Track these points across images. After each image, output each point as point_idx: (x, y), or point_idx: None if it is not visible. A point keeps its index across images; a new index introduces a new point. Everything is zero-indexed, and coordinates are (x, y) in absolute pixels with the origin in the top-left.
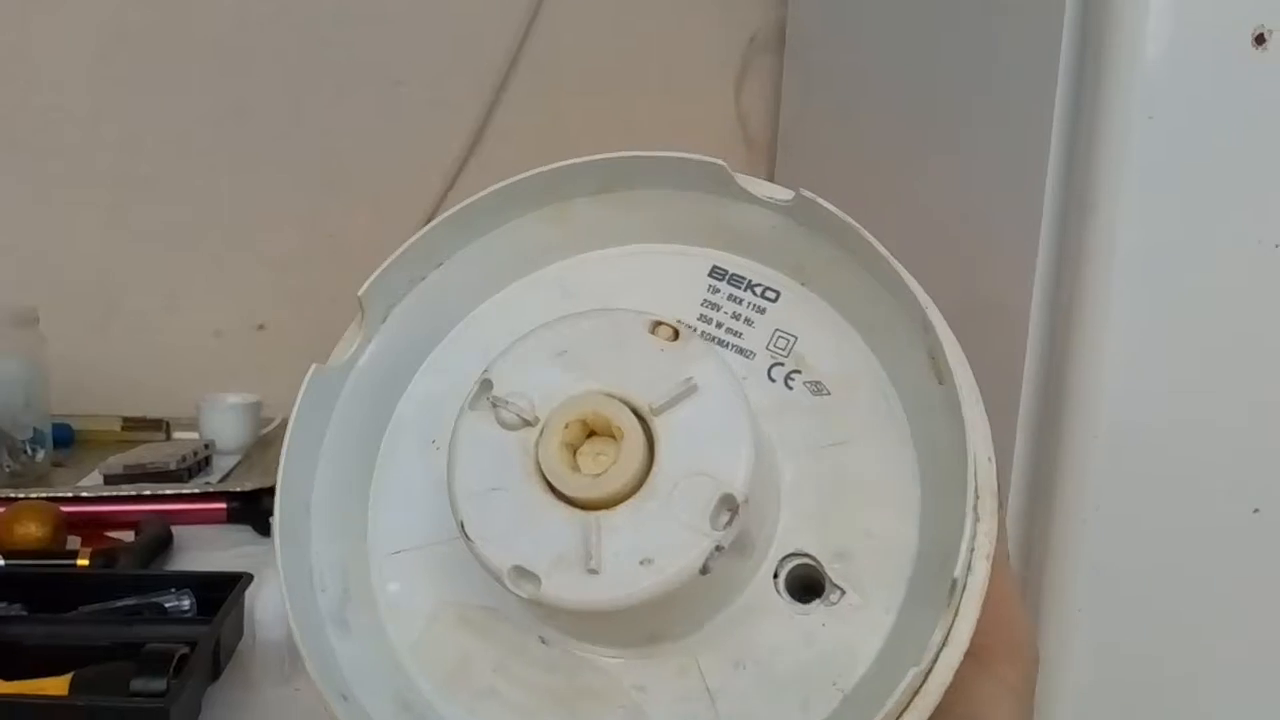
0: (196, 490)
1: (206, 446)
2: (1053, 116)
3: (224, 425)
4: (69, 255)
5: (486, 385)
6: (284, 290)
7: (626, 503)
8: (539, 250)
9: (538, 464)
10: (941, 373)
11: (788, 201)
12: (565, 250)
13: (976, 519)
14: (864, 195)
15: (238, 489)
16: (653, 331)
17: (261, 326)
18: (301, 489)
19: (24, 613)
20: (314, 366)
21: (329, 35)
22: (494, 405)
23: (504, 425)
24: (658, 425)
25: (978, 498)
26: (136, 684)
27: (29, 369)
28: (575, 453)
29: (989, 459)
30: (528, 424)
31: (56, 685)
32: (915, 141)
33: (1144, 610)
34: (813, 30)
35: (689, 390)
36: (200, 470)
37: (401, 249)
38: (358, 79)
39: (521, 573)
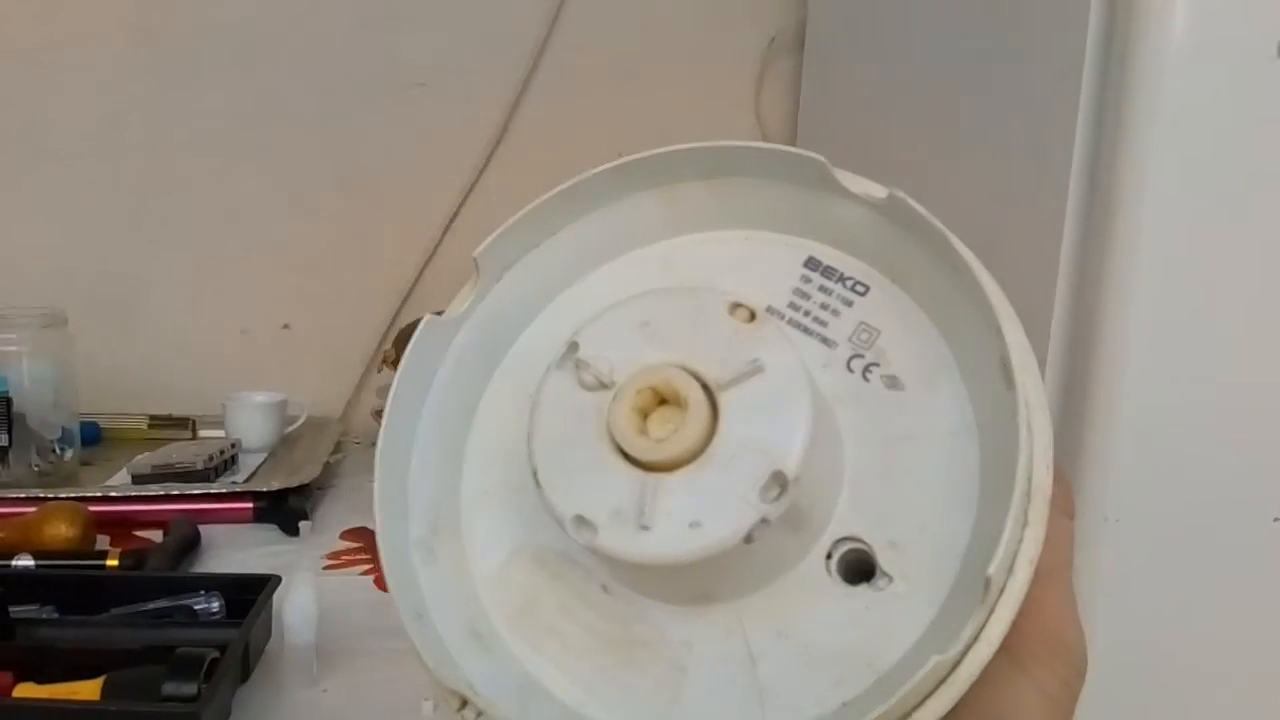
0: (224, 490)
1: (233, 445)
2: (1076, 119)
3: (250, 424)
4: (96, 256)
5: (573, 348)
6: (309, 290)
7: (685, 468)
8: (647, 229)
9: (608, 425)
10: (1010, 378)
11: (881, 200)
12: (671, 230)
13: (1026, 523)
14: None
15: (264, 489)
16: (731, 312)
17: (286, 326)
18: (406, 428)
19: (55, 614)
20: (428, 316)
21: (352, 36)
22: (577, 367)
23: (584, 386)
24: (723, 400)
25: (1029, 502)
26: (168, 688)
27: (57, 369)
28: (646, 418)
29: (1047, 466)
30: (605, 387)
31: (89, 689)
32: (936, 144)
33: (1161, 617)
34: (833, 32)
35: (755, 370)
36: (227, 469)
37: (515, 217)
38: (381, 79)
39: (582, 521)
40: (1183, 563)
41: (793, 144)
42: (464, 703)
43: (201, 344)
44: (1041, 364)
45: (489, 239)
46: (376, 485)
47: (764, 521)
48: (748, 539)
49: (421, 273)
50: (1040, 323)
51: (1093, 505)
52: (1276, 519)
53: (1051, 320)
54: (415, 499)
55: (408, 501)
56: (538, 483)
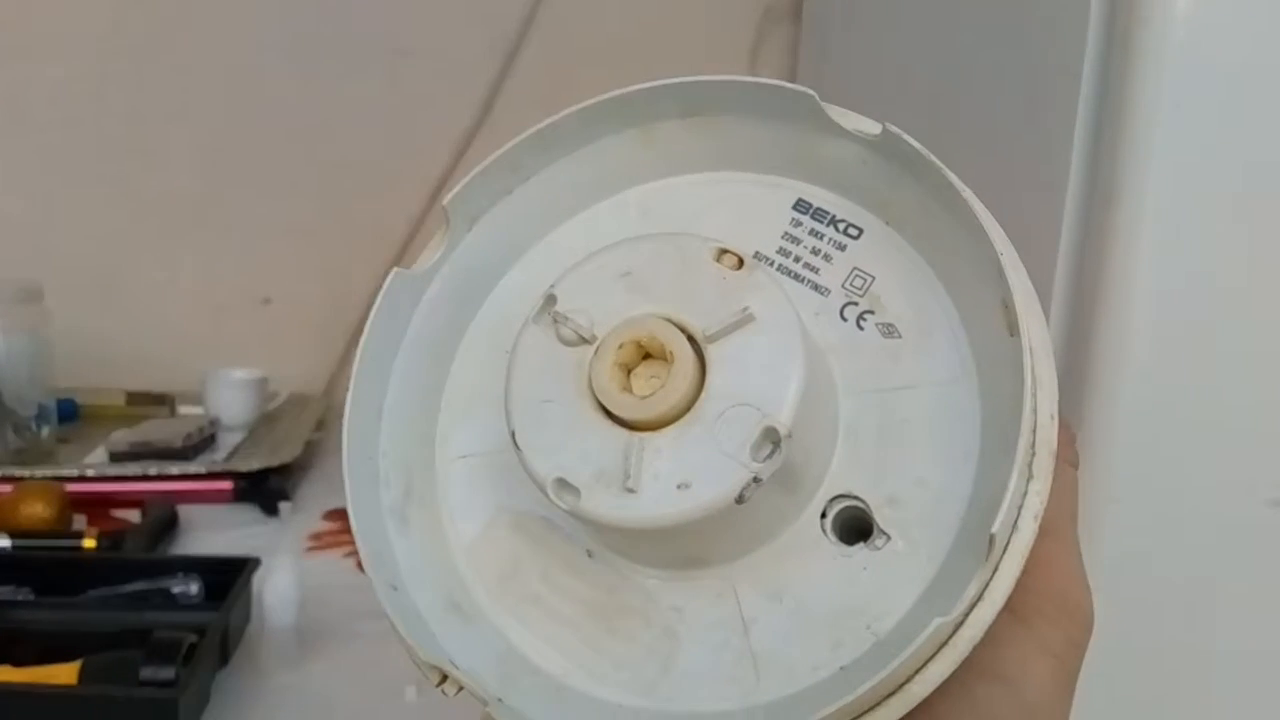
0: (203, 469)
1: (212, 423)
2: (1078, 98)
3: (229, 401)
4: (73, 229)
5: (551, 300)
6: (290, 264)
7: (672, 426)
8: (624, 172)
9: (590, 382)
10: (1013, 323)
11: (875, 136)
12: (650, 174)
13: (1030, 476)
14: None
15: (244, 469)
16: (718, 259)
17: (267, 300)
18: (375, 390)
19: (32, 596)
20: (395, 270)
21: (336, 4)
22: (555, 321)
23: (563, 341)
24: (711, 352)
25: (1033, 454)
26: (146, 673)
27: (33, 344)
28: (630, 373)
29: (1052, 417)
30: (585, 341)
31: (66, 673)
32: (935, 121)
33: (1160, 599)
34: (830, 1)
35: (745, 320)
36: (206, 448)
37: (485, 163)
38: (365, 48)
39: (563, 485)
40: (1182, 548)
41: None
42: (444, 677)
43: (181, 319)
44: None
45: (458, 185)
46: (345, 450)
47: (756, 481)
48: (739, 500)
49: (405, 247)
50: (1040, 306)
51: (1092, 491)
52: (1278, 502)
53: (1051, 303)
54: (387, 464)
55: (379, 467)
56: (516, 445)
